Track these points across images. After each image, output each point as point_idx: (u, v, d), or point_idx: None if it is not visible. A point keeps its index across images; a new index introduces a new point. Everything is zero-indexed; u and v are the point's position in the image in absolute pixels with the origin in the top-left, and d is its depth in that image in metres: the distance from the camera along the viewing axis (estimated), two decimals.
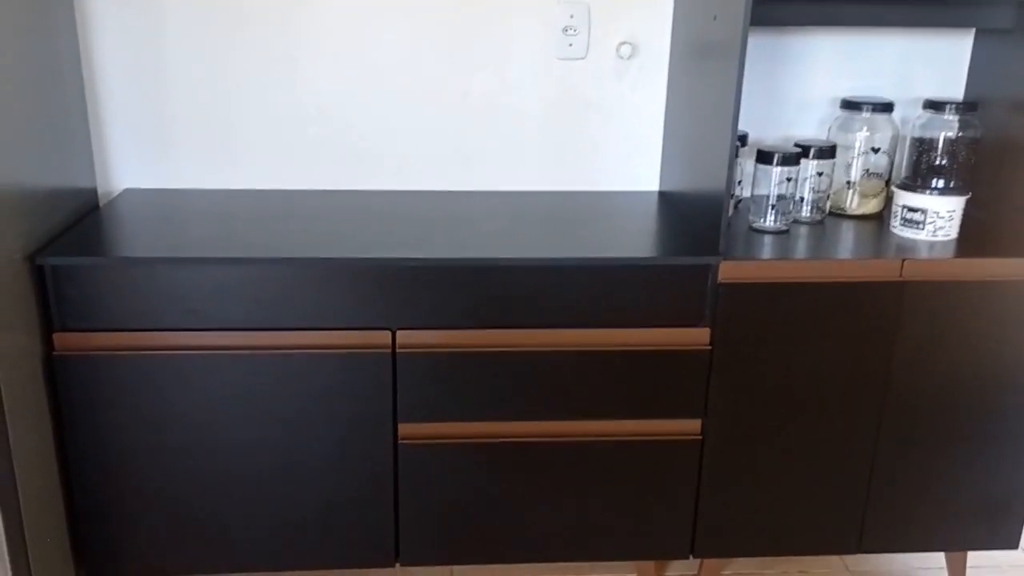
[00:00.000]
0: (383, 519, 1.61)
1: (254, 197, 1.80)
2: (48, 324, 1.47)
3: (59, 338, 1.47)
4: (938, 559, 1.90)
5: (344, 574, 1.82)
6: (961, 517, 1.70)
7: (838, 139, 1.75)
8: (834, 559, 1.91)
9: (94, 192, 1.79)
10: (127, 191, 1.82)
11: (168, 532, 1.59)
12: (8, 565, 1.38)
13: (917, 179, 1.68)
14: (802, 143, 1.70)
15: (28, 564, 1.43)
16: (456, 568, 1.87)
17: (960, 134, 1.65)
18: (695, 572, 1.85)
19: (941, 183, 1.65)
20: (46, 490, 1.49)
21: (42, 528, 1.48)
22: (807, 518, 1.68)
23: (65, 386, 1.49)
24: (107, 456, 1.53)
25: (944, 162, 1.66)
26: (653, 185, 1.93)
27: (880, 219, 1.76)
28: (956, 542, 1.73)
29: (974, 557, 1.89)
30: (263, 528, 1.60)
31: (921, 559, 1.92)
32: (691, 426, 1.60)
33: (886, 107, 1.73)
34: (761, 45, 1.84)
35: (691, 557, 1.70)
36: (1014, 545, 1.73)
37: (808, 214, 1.73)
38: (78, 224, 1.61)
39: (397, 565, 1.65)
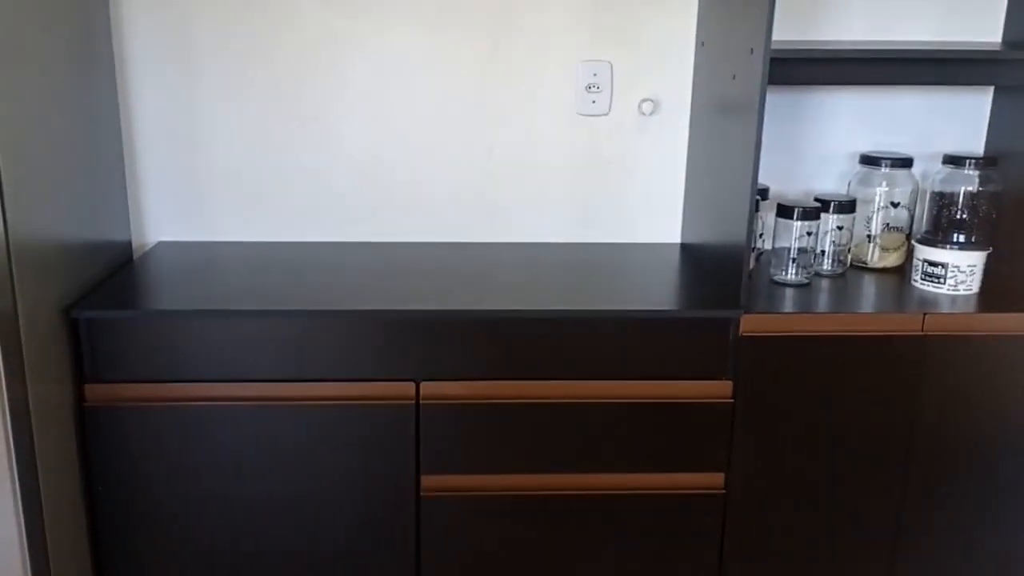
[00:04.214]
0: (405, 572, 1.60)
1: (284, 249, 1.84)
2: (80, 375, 1.50)
3: (90, 389, 1.50)
4: None
5: None
6: (991, 575, 1.67)
7: (858, 193, 1.76)
8: None
9: (128, 245, 1.83)
10: (160, 244, 1.87)
11: None
12: None
13: (938, 233, 1.69)
14: (822, 197, 1.71)
15: None
16: None
17: (980, 188, 1.66)
18: None
19: (962, 237, 1.66)
20: (74, 539, 1.50)
21: None
22: (833, 575, 1.65)
23: (95, 437, 1.51)
24: (135, 507, 1.55)
25: (965, 216, 1.67)
26: (675, 238, 1.95)
27: (901, 273, 1.77)
28: None
29: None
30: None
31: None
32: (714, 480, 1.59)
33: (905, 162, 1.74)
34: (780, 101, 1.86)
35: None
36: None
37: (829, 267, 1.73)
38: (112, 277, 1.65)
39: None
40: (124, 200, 1.81)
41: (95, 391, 1.50)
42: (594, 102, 1.85)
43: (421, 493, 1.56)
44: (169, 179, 1.86)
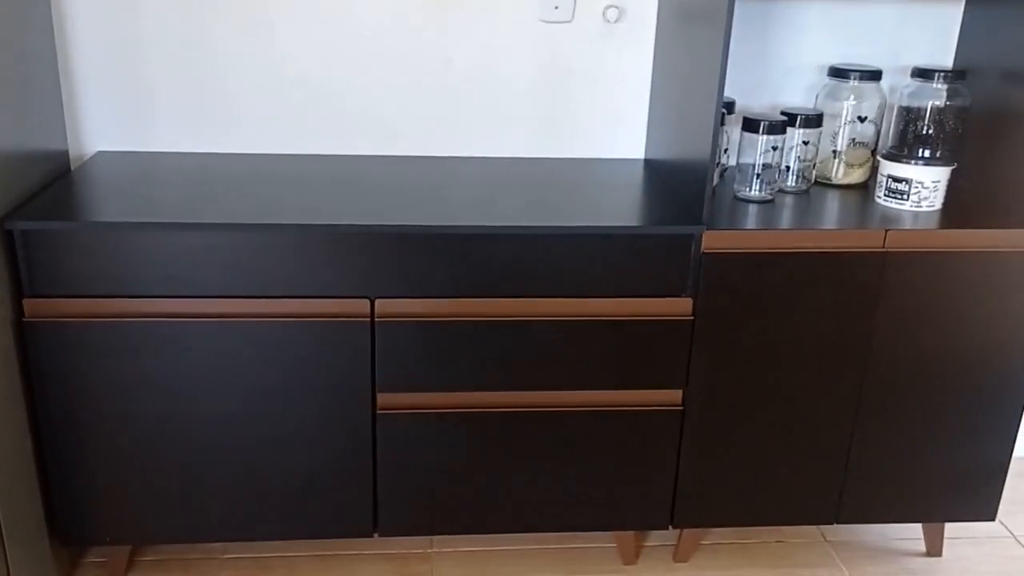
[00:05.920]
0: (361, 489, 1.60)
1: (231, 161, 1.76)
2: (18, 290, 1.44)
3: (29, 304, 1.44)
4: (915, 529, 1.90)
5: (322, 544, 1.82)
6: (939, 488, 1.70)
7: (825, 107, 1.73)
8: (812, 529, 1.92)
9: (65, 155, 1.74)
10: (100, 154, 1.78)
11: (143, 501, 1.57)
12: None
13: (903, 149, 1.66)
14: (789, 111, 1.68)
15: (0, 532, 1.41)
16: (435, 538, 1.86)
17: (948, 103, 1.63)
18: (674, 542, 1.86)
19: (927, 153, 1.64)
20: (18, 458, 1.47)
21: (14, 496, 1.46)
22: (786, 488, 1.68)
23: (36, 353, 1.46)
24: (80, 424, 1.51)
25: (931, 132, 1.64)
26: (639, 153, 1.91)
27: (865, 189, 1.75)
28: (934, 513, 1.74)
29: (951, 528, 1.90)
30: (239, 497, 1.58)
31: (898, 529, 1.93)
32: (672, 396, 1.59)
33: (874, 75, 1.70)
34: (750, 10, 1.80)
35: (670, 527, 1.70)
36: (991, 516, 1.74)
37: (793, 183, 1.71)
38: (49, 188, 1.58)
39: (375, 535, 1.64)
40: (59, 108, 1.72)
41: (35, 306, 1.44)
42: (556, 8, 1.77)
43: (377, 410, 1.55)
44: (108, 86, 1.76)
